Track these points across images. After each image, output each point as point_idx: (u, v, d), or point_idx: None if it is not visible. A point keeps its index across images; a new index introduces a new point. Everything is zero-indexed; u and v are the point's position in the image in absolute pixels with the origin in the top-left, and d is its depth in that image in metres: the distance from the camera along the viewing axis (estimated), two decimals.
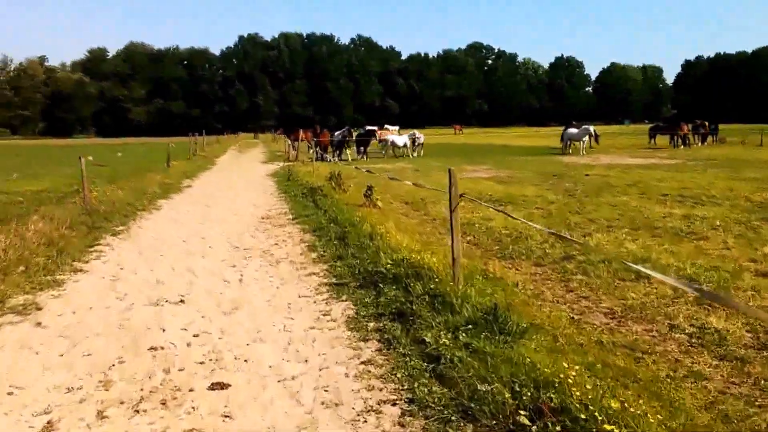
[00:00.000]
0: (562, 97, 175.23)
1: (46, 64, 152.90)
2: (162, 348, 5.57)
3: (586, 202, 14.40)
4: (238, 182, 21.78)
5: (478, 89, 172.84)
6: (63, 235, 10.24)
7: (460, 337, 5.34)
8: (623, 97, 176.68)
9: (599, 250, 9.14)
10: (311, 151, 31.01)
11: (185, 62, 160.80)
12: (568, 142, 35.95)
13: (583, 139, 35.47)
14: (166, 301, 7.04)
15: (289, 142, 36.86)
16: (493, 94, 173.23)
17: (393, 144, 35.90)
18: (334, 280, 7.88)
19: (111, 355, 5.39)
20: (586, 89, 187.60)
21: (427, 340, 5.39)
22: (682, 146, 38.48)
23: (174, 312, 6.64)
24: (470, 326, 5.56)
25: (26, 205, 14.50)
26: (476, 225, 11.51)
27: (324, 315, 6.49)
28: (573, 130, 36.71)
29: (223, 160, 36.26)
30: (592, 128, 36.23)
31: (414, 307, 6.25)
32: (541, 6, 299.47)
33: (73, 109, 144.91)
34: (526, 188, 17.46)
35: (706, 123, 42.26)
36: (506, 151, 40.27)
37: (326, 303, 6.93)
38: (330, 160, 24.15)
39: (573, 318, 6.23)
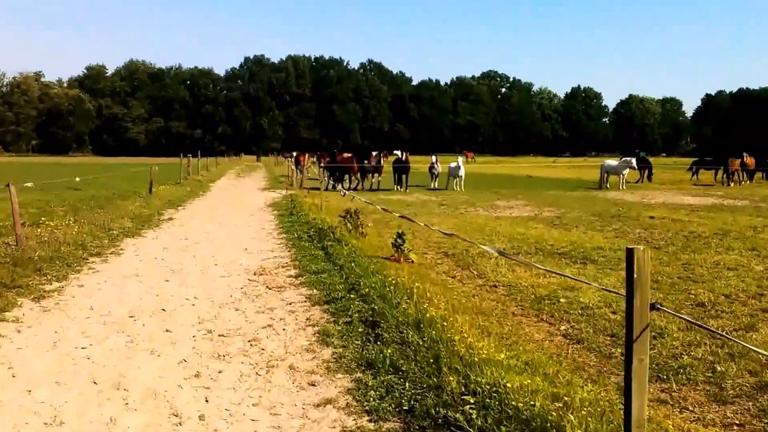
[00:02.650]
0: (577, 127, 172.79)
1: (42, 79, 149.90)
2: None
3: (686, 259, 10.81)
4: (230, 215, 18.21)
5: (491, 117, 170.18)
6: None
7: None
8: (641, 129, 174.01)
9: None
10: (326, 178, 27.46)
11: (188, 82, 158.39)
12: (606, 176, 32.42)
13: (623, 173, 32.02)
14: None
15: (296, 167, 33.06)
16: (507, 123, 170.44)
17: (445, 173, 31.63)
18: (371, 428, 4.32)
19: None
20: (603, 120, 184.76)
21: None
22: (730, 183, 34.99)
23: None
24: None
25: None
26: (561, 300, 7.91)
27: None
28: (612, 162, 33.27)
29: (218, 186, 32.70)
30: (633, 160, 32.76)
31: None
32: (559, 36, 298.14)
33: (69, 126, 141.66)
34: (590, 235, 13.88)
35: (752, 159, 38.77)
36: (533, 184, 36.84)
37: None
38: (341, 191, 20.61)
39: None
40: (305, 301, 7.78)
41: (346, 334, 6.31)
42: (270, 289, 8.51)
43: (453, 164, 31.13)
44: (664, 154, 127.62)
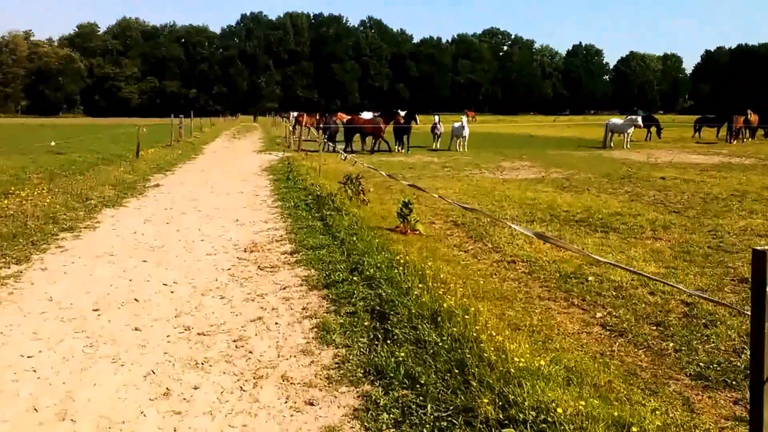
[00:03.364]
0: (578, 85, 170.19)
1: (31, 38, 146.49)
2: None
3: (711, 226, 9.84)
4: (222, 181, 17.10)
5: (492, 75, 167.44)
6: None
7: None
8: (640, 87, 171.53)
9: None
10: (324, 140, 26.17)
11: (182, 40, 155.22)
12: (610, 134, 31.21)
13: (628, 131, 30.84)
14: None
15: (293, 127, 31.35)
16: (507, 81, 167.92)
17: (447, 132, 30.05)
18: None
19: None
20: (604, 78, 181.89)
21: None
22: (733, 140, 33.89)
23: None
24: None
25: None
26: (590, 278, 6.89)
27: None
28: (617, 121, 32.04)
29: (211, 148, 31.44)
30: (639, 119, 31.53)
31: None
32: None
33: (59, 86, 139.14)
34: (603, 199, 12.87)
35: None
36: (536, 143, 35.66)
37: None
38: (341, 154, 19.47)
39: None
40: (301, 285, 6.77)
41: (350, 330, 5.31)
42: (261, 269, 7.48)
43: (457, 124, 29.88)
44: (662, 112, 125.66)
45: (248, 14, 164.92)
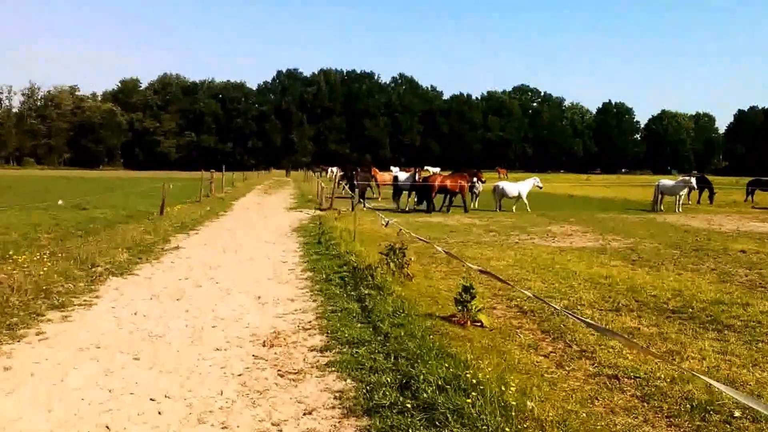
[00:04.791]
0: (609, 143, 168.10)
1: (77, 93, 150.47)
2: None
3: None
4: (248, 243, 15.56)
5: (522, 132, 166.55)
6: None
7: None
8: (673, 145, 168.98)
9: None
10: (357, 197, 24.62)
11: (220, 96, 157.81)
12: (661, 196, 29.19)
13: (681, 193, 28.82)
14: None
15: (351, 188, 29.44)
16: (538, 138, 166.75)
17: (502, 193, 28.23)
18: None
19: None
20: (635, 136, 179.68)
21: None
22: None
23: None
24: None
25: None
26: (736, 414, 4.97)
27: None
28: (668, 182, 30.00)
29: (242, 204, 30.11)
30: (693, 180, 29.51)
31: None
32: (591, 51, 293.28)
33: (100, 139, 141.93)
34: (689, 278, 10.94)
35: None
36: (578, 204, 33.83)
37: None
38: (382, 220, 17.88)
39: None
40: (333, 408, 5.01)
41: None
42: (282, 376, 5.76)
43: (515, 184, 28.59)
44: (696, 172, 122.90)
45: (284, 71, 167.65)
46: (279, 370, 5.93)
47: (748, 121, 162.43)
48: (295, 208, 28.07)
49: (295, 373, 5.85)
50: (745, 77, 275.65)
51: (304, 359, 6.27)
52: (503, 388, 4.70)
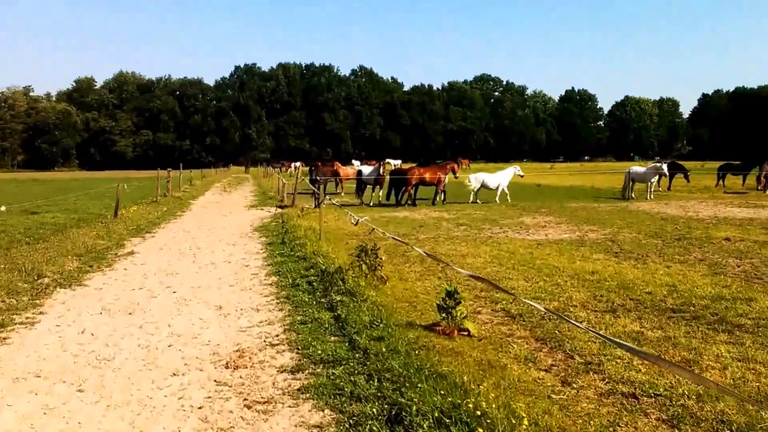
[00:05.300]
0: (572, 131, 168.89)
1: (30, 94, 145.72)
2: None
3: None
4: (208, 246, 14.63)
5: (484, 122, 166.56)
6: None
7: None
8: (637, 132, 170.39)
9: None
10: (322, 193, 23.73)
11: (177, 92, 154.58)
12: (632, 184, 28.92)
13: (652, 180, 28.58)
14: None
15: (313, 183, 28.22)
16: (500, 128, 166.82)
17: (483, 186, 27.39)
18: None
19: None
20: (598, 123, 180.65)
21: None
22: (767, 190, 31.69)
23: None
24: None
25: None
26: None
27: None
28: (639, 169, 29.73)
29: (200, 203, 28.95)
30: (665, 166, 29.33)
31: None
32: (553, 38, 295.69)
33: (55, 140, 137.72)
34: (679, 271, 10.41)
35: None
36: (547, 193, 33.51)
37: None
38: (351, 217, 17.09)
39: None
40: None
41: None
42: (249, 407, 4.97)
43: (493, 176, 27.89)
44: (658, 158, 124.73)
45: (242, 66, 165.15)
46: (245, 399, 5.14)
47: (713, 104, 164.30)
48: (255, 206, 27.09)
49: (264, 403, 5.06)
50: (710, 61, 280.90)
51: (274, 383, 5.49)
52: (513, 421, 3.99)
